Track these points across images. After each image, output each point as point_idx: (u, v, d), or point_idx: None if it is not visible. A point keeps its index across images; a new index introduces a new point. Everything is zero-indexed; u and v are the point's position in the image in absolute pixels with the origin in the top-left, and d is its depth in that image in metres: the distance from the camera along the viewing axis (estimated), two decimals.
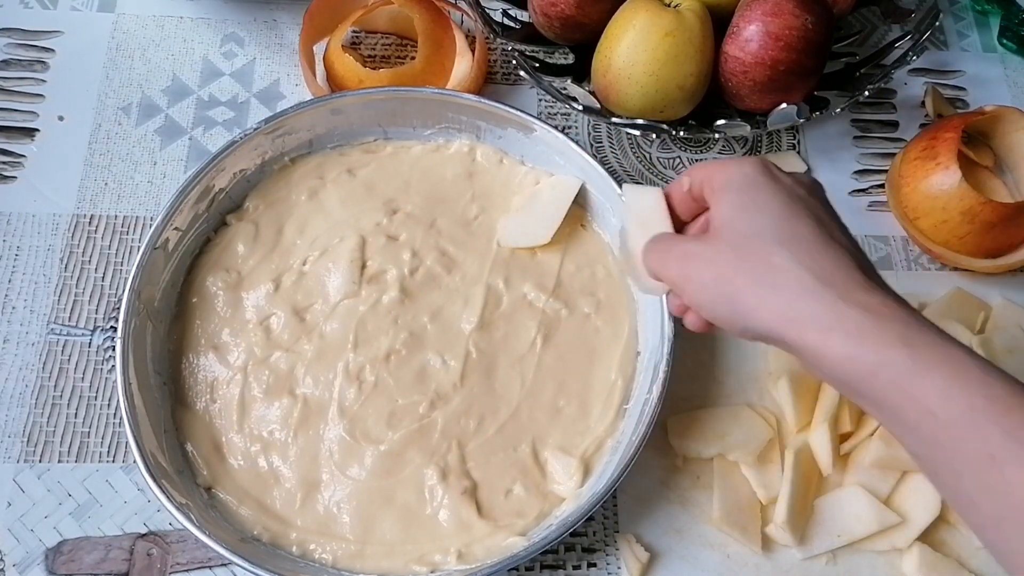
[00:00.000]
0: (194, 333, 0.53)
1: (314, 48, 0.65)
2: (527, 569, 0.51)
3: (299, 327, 0.53)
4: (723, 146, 0.65)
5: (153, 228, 0.52)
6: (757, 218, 0.37)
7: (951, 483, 0.32)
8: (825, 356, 0.34)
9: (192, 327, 0.54)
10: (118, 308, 0.51)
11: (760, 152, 0.64)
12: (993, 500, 0.31)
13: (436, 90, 0.58)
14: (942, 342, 0.33)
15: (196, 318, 0.54)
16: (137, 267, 0.51)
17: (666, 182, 0.63)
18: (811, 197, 0.39)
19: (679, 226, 0.43)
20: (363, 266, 0.55)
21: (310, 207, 0.57)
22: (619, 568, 0.51)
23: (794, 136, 0.66)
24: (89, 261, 0.57)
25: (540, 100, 0.65)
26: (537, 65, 0.62)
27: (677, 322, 0.48)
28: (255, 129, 0.55)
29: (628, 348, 0.54)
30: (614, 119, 0.58)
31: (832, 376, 0.35)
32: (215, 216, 0.56)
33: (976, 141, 0.64)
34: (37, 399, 0.53)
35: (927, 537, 0.51)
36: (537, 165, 0.59)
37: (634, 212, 0.43)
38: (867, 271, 0.36)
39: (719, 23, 0.55)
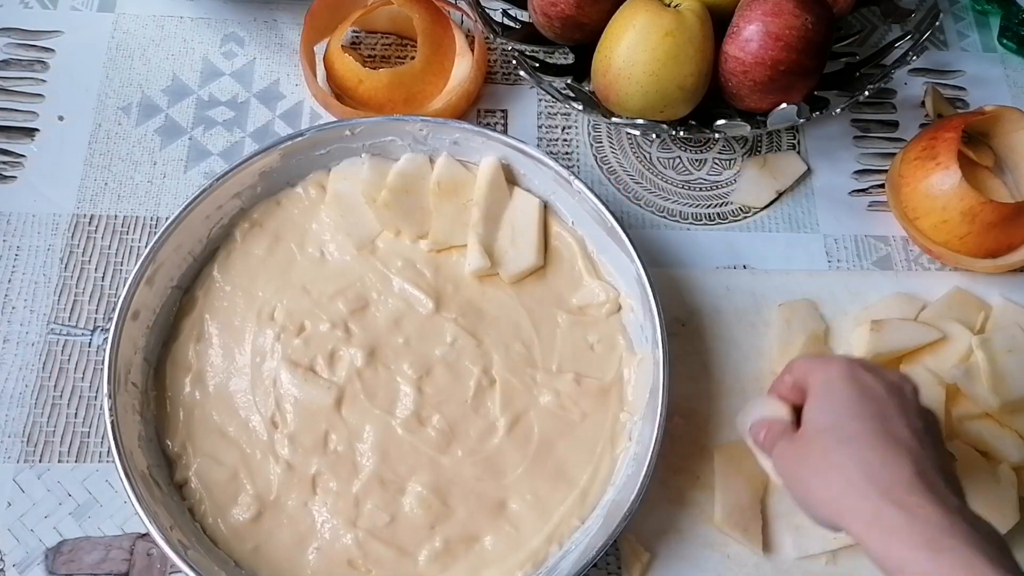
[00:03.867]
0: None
1: (315, 48, 0.65)
2: None
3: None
4: (723, 146, 0.65)
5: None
6: (829, 418, 0.41)
7: None
8: (868, 548, 0.37)
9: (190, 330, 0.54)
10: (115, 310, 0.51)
11: (760, 152, 0.64)
12: None
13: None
14: (966, 549, 0.34)
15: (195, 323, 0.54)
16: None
17: (666, 182, 0.63)
18: (890, 396, 0.41)
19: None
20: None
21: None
22: (619, 568, 0.51)
23: (794, 136, 0.66)
24: (89, 261, 0.57)
25: (540, 100, 0.65)
26: (537, 65, 0.62)
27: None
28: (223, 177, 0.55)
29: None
30: (614, 119, 0.58)
31: (879, 567, 0.37)
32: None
33: (976, 141, 0.64)
34: (37, 399, 0.53)
35: None
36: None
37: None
38: (922, 471, 0.38)
39: (719, 23, 0.55)
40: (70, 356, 0.55)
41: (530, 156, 0.56)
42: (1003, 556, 0.35)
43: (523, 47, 0.63)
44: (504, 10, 0.65)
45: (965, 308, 0.58)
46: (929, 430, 0.41)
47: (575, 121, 0.65)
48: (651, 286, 0.52)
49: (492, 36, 0.62)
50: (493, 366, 0.54)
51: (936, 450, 0.40)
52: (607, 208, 0.54)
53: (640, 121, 0.57)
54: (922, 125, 0.67)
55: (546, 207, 0.58)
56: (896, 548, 0.36)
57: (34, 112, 0.62)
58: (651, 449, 0.49)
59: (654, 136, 0.64)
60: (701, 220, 0.62)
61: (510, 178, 0.58)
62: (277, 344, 0.53)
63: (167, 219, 0.53)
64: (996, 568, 0.34)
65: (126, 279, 0.51)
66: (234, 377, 0.53)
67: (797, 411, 0.44)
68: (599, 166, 0.63)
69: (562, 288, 0.57)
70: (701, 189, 0.63)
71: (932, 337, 0.55)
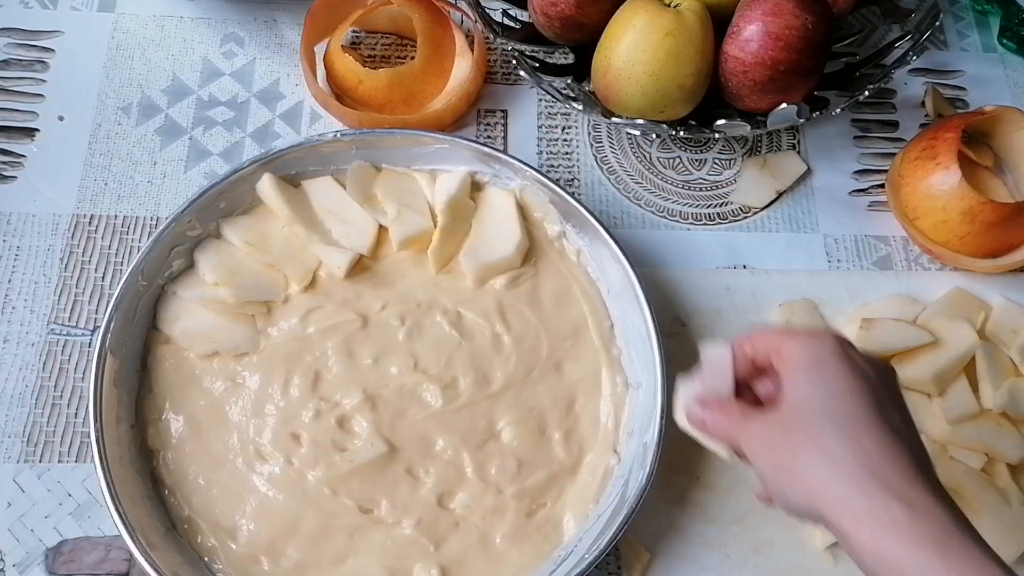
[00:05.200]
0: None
1: (315, 48, 0.65)
2: None
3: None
4: (723, 146, 0.65)
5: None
6: (819, 395, 0.37)
7: None
8: (856, 542, 0.34)
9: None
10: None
11: (760, 152, 0.64)
12: None
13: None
14: (977, 550, 0.32)
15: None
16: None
17: (666, 182, 0.63)
18: (880, 380, 0.38)
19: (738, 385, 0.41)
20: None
21: None
22: (619, 568, 0.51)
23: (794, 136, 0.66)
24: (89, 261, 0.57)
25: (540, 100, 0.65)
26: (537, 65, 0.62)
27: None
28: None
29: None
30: (614, 119, 0.58)
31: (860, 563, 0.34)
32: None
33: (976, 141, 0.64)
34: (37, 399, 0.53)
35: None
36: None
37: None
38: (919, 464, 0.35)
39: (719, 23, 0.55)
40: (70, 356, 0.55)
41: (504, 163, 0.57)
42: (1005, 567, 0.33)
43: (523, 47, 0.63)
44: (504, 10, 0.65)
45: (965, 308, 0.58)
46: (911, 423, 0.38)
47: (575, 121, 0.65)
48: (643, 291, 0.53)
49: (492, 36, 0.62)
50: (493, 383, 0.54)
51: (922, 445, 0.37)
52: (586, 209, 0.55)
53: (640, 121, 0.57)
54: (922, 125, 0.67)
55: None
56: (895, 545, 0.33)
57: (34, 112, 0.62)
58: (652, 450, 0.49)
59: (654, 136, 0.64)
60: (701, 220, 0.62)
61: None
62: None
63: (167, 219, 0.53)
64: (1005, 570, 0.32)
65: (122, 278, 0.52)
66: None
67: (740, 388, 0.41)
68: (599, 166, 0.63)
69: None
70: (701, 189, 0.63)
71: (923, 340, 0.55)
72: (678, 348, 0.56)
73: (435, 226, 0.56)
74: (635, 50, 0.54)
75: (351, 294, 0.55)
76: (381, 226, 0.57)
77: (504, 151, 0.58)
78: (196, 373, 0.53)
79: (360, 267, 0.56)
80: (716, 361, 0.42)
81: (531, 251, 0.57)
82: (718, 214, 0.62)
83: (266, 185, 0.56)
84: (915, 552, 0.32)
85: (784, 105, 0.55)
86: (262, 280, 0.55)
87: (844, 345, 0.38)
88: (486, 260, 0.56)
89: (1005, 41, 0.70)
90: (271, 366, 0.53)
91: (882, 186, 0.64)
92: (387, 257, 0.57)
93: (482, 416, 0.52)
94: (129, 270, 0.52)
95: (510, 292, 0.56)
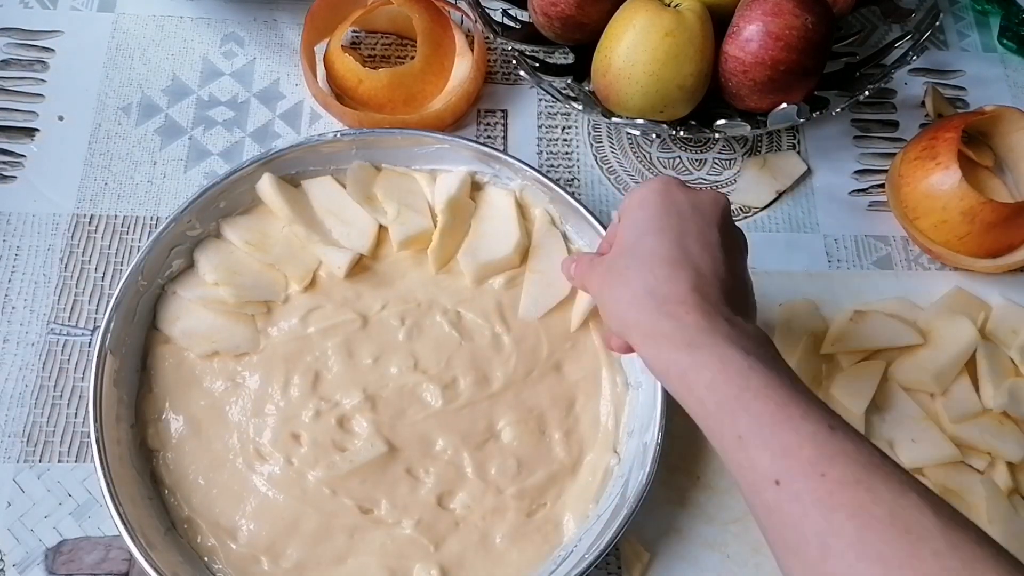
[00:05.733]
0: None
1: (315, 48, 0.65)
2: None
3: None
4: (723, 146, 0.65)
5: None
6: (632, 237, 0.43)
7: (724, 460, 0.37)
8: (644, 358, 0.41)
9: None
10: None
11: (760, 152, 0.64)
12: (744, 475, 0.36)
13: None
14: (722, 344, 0.37)
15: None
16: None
17: None
18: (693, 213, 0.42)
19: None
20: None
21: None
22: (619, 568, 0.51)
23: (794, 136, 0.66)
24: (89, 261, 0.57)
25: (540, 100, 0.65)
26: (537, 65, 0.62)
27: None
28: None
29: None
30: (614, 119, 0.58)
31: (654, 374, 0.41)
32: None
33: (976, 141, 0.64)
34: (37, 399, 0.53)
35: None
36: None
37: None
38: (698, 285, 0.40)
39: (719, 23, 0.55)
40: (70, 356, 0.55)
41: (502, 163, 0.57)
42: (761, 350, 0.38)
43: (523, 47, 0.63)
44: (504, 10, 0.65)
45: (965, 308, 0.58)
46: (730, 247, 0.42)
47: (575, 121, 0.65)
48: None
49: (492, 36, 0.62)
50: (493, 383, 0.54)
51: (728, 267, 0.41)
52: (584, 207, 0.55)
53: (640, 121, 0.57)
54: (922, 125, 0.67)
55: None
56: (663, 352, 0.39)
57: (34, 112, 0.62)
58: (652, 450, 0.49)
59: (654, 136, 0.64)
60: None
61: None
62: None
63: (167, 218, 0.53)
64: (747, 356, 0.36)
65: (122, 278, 0.52)
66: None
67: None
68: (599, 166, 0.63)
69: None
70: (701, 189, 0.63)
71: (912, 340, 0.55)
72: None
73: (435, 226, 0.56)
74: (635, 50, 0.54)
75: (351, 294, 0.55)
76: (381, 226, 0.57)
77: (504, 151, 0.58)
78: (196, 373, 0.53)
79: (360, 267, 0.56)
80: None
81: (531, 250, 0.57)
82: None
83: (266, 185, 0.56)
84: (674, 354, 0.38)
85: (784, 105, 0.55)
86: (262, 280, 0.55)
87: (668, 185, 0.44)
88: (485, 260, 0.56)
89: (1005, 41, 0.70)
90: (271, 366, 0.53)
91: (882, 186, 0.64)
92: (387, 257, 0.57)
93: (482, 416, 0.52)
94: (129, 270, 0.52)
95: (509, 292, 0.56)
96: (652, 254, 0.41)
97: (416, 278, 0.56)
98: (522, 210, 0.58)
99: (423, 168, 0.59)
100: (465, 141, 0.57)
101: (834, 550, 0.32)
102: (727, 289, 0.40)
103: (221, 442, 0.51)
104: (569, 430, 0.53)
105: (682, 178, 0.63)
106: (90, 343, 0.55)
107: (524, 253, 0.57)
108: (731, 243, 0.43)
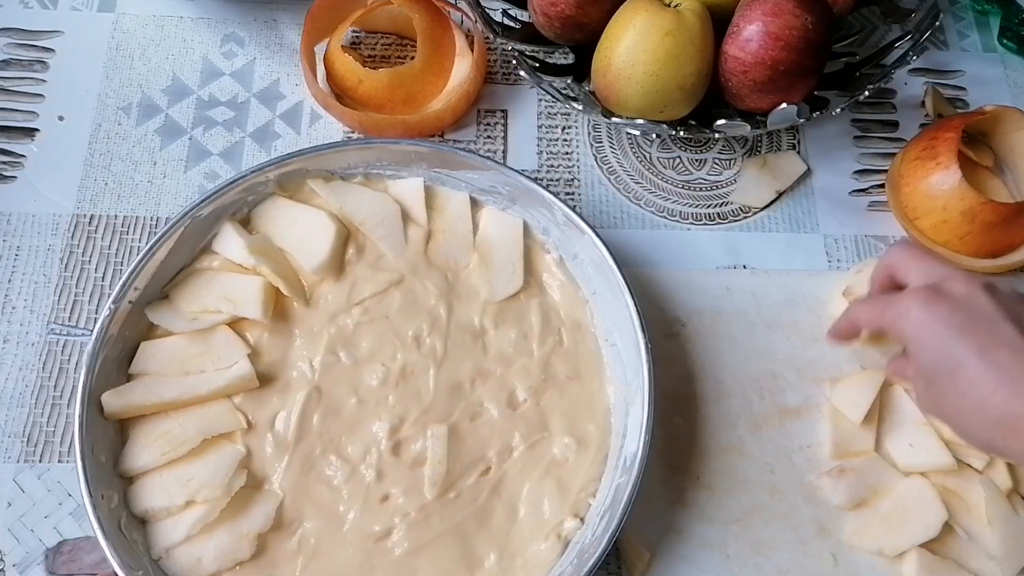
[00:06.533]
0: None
1: (315, 48, 0.65)
2: None
3: None
4: (723, 146, 0.65)
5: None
6: (932, 358, 0.42)
7: None
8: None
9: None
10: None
11: (760, 152, 0.64)
12: None
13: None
14: None
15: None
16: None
17: (666, 182, 0.63)
18: (974, 304, 0.42)
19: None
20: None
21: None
22: (619, 568, 0.51)
23: (794, 136, 0.66)
24: (89, 261, 0.57)
25: (540, 100, 0.65)
26: (537, 65, 0.62)
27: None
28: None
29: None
30: (614, 119, 0.58)
31: None
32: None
33: (976, 141, 0.64)
34: (37, 399, 0.53)
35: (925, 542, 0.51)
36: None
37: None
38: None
39: (719, 23, 0.55)
40: (70, 356, 0.55)
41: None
42: None
43: (523, 47, 0.63)
44: (504, 10, 0.65)
45: None
46: (1019, 315, 0.42)
47: (575, 121, 0.65)
48: (628, 288, 0.52)
49: (492, 36, 0.62)
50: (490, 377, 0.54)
51: None
52: (582, 218, 0.54)
53: (640, 121, 0.57)
54: (922, 125, 0.67)
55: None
56: None
57: (34, 112, 0.62)
58: (639, 451, 0.49)
59: (654, 136, 0.64)
60: (701, 220, 0.62)
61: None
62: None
63: (167, 219, 0.53)
64: None
65: (121, 277, 0.51)
66: None
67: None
68: (599, 166, 0.63)
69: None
70: (701, 189, 0.63)
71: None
72: (679, 348, 0.56)
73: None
74: (635, 50, 0.54)
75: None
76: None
77: (504, 162, 0.57)
78: None
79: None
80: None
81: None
82: (718, 214, 0.62)
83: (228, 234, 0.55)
84: None
85: (784, 105, 0.55)
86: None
87: (928, 296, 0.43)
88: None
89: (1005, 41, 0.70)
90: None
91: (882, 186, 0.64)
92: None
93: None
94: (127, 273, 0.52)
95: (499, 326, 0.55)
96: (965, 363, 0.41)
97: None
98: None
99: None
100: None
101: None
102: None
103: None
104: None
105: (682, 178, 0.63)
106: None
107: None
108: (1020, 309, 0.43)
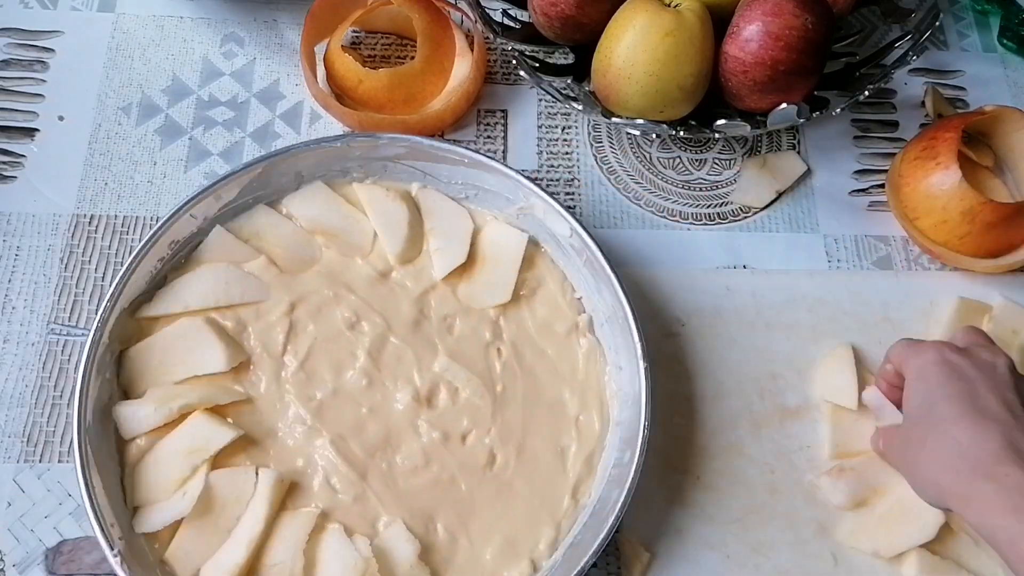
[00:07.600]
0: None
1: (315, 48, 0.65)
2: None
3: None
4: (723, 146, 0.65)
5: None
6: (922, 405, 0.45)
7: None
8: (969, 523, 0.41)
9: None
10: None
11: (760, 152, 0.64)
12: None
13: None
14: None
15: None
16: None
17: (666, 182, 0.63)
18: (980, 373, 0.44)
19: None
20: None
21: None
22: (619, 568, 0.51)
23: (794, 136, 0.66)
24: (89, 261, 0.57)
25: (540, 100, 0.65)
26: (537, 65, 0.62)
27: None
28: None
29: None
30: (614, 119, 0.58)
31: (982, 538, 0.41)
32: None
33: (976, 141, 0.64)
34: (37, 399, 0.53)
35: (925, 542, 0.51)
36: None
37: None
38: (1011, 441, 0.40)
39: (719, 23, 0.55)
40: (70, 356, 0.55)
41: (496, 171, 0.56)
42: None
43: (523, 47, 0.63)
44: (504, 10, 0.65)
45: (969, 318, 0.57)
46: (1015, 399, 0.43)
47: (575, 121, 0.65)
48: (623, 291, 0.52)
49: (492, 36, 0.62)
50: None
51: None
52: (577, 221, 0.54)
53: (640, 121, 0.57)
54: (922, 125, 0.67)
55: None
56: (988, 517, 0.39)
57: (34, 112, 0.62)
58: (637, 449, 0.49)
59: (654, 136, 0.64)
60: (701, 220, 0.62)
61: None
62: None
63: (166, 218, 0.53)
64: None
65: (118, 273, 0.51)
66: None
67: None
68: (599, 166, 0.63)
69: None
70: (701, 189, 0.63)
71: None
72: (679, 348, 0.56)
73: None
74: (635, 50, 0.54)
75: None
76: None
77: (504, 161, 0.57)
78: None
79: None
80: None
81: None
82: (718, 214, 0.62)
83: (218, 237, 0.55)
84: (1001, 520, 0.38)
85: (784, 105, 0.55)
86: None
87: (943, 352, 0.46)
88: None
89: (1005, 41, 0.70)
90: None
91: (882, 186, 0.64)
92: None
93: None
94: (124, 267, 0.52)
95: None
96: (947, 419, 0.42)
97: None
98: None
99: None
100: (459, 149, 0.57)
101: None
102: None
103: None
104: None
105: (682, 178, 0.63)
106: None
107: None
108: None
